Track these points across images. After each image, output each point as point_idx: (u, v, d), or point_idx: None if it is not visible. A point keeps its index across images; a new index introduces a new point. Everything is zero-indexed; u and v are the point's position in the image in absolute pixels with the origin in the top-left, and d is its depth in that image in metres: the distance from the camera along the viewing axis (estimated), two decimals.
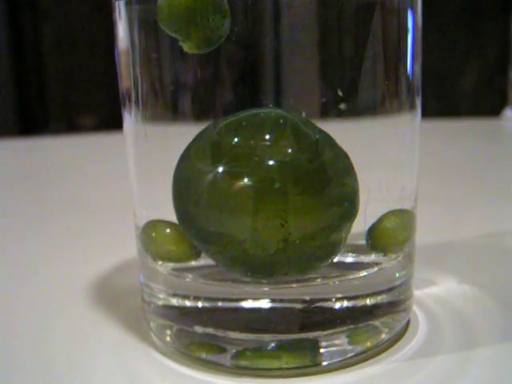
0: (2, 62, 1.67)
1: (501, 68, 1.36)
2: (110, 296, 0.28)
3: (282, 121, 0.20)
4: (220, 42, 0.20)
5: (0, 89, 1.63)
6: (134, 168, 0.23)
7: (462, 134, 0.79)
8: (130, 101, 0.23)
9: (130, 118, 0.23)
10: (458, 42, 1.43)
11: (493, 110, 1.04)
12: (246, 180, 0.19)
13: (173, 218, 0.21)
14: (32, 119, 1.74)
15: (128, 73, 0.23)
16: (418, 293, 0.25)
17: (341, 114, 0.21)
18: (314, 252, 0.20)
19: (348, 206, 0.20)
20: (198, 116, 0.22)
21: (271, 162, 0.19)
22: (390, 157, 0.22)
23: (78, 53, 1.72)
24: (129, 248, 0.27)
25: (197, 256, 0.22)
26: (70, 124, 1.66)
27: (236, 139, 0.20)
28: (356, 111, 0.21)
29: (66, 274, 0.32)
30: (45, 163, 0.71)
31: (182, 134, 0.22)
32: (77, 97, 1.74)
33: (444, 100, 1.40)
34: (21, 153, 0.78)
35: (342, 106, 0.21)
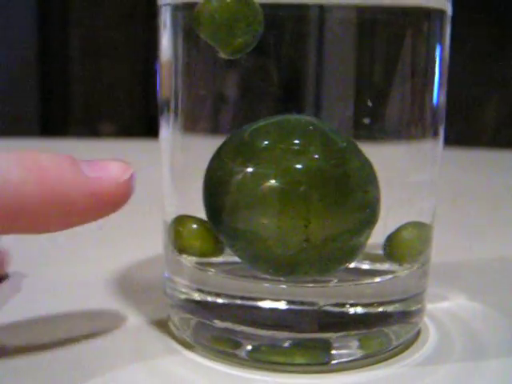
0: (29, 64, 1.70)
1: None
2: (133, 289, 0.29)
3: (311, 127, 0.21)
4: (246, 50, 0.21)
5: (25, 90, 1.66)
6: (168, 171, 0.24)
7: (482, 164, 0.79)
8: (168, 110, 0.24)
9: (167, 127, 0.24)
10: (482, 72, 1.44)
11: None
12: (273, 181, 0.20)
13: (201, 215, 0.22)
14: (54, 122, 1.77)
15: (169, 82, 0.24)
16: (429, 306, 0.26)
17: (367, 135, 0.22)
18: (333, 253, 0.21)
19: (369, 212, 0.21)
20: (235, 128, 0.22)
21: (298, 166, 0.20)
22: (410, 177, 0.23)
23: (102, 59, 1.74)
24: (154, 246, 0.28)
25: (220, 252, 0.23)
26: (91, 130, 1.68)
27: (266, 142, 0.21)
28: (382, 133, 0.22)
29: (89, 267, 0.32)
30: None
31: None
32: (99, 103, 1.76)
33: (466, 130, 1.41)
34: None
35: (367, 121, 0.22)
